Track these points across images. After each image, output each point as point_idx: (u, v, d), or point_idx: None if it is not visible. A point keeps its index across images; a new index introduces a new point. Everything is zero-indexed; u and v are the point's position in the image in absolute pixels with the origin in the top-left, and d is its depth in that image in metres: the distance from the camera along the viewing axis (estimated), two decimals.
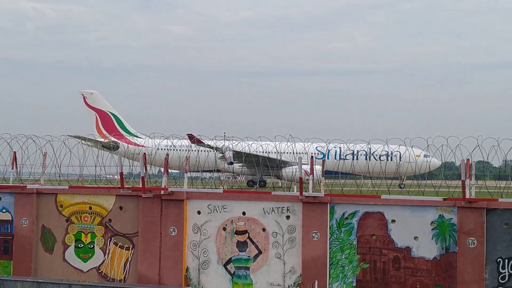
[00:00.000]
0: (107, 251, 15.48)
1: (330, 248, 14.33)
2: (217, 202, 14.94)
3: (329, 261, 14.31)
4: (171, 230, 15.02)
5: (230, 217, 14.88)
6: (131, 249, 15.35)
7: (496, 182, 15.41)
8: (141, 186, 14.90)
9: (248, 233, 14.76)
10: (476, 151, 13.83)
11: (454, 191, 14.30)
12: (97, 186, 16.06)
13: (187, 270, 15.01)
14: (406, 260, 14.00)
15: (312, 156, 14.72)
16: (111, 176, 18.37)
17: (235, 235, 14.83)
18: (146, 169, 15.05)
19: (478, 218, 13.49)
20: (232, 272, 14.80)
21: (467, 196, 13.60)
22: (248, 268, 14.75)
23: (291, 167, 44.31)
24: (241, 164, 52.12)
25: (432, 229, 13.83)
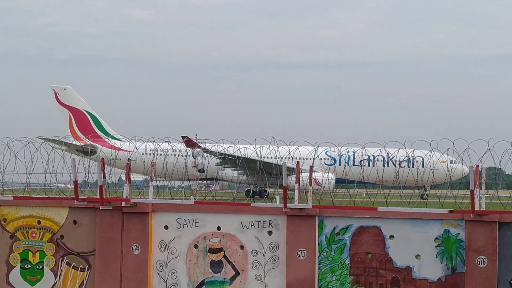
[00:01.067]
0: (59, 273, 13.39)
1: (318, 268, 12.45)
2: (188, 215, 12.93)
3: (318, 283, 12.43)
4: (134, 248, 12.98)
5: (203, 232, 12.87)
6: (87, 270, 13.28)
7: (510, 192, 13.77)
8: (98, 196, 12.87)
9: (224, 251, 12.80)
10: (487, 156, 12.08)
11: (461, 202, 12.58)
12: (47, 196, 13.99)
13: None
14: (406, 282, 12.19)
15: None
16: (63, 185, 16.23)
17: (208, 253, 12.84)
18: (104, 177, 13.03)
19: (489, 234, 11.79)
20: None
21: (477, 208, 11.90)
22: None
23: (302, 174, 41.22)
24: (237, 170, 48.36)
25: (436, 246, 12.08)
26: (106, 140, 47.22)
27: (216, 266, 12.83)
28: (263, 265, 12.66)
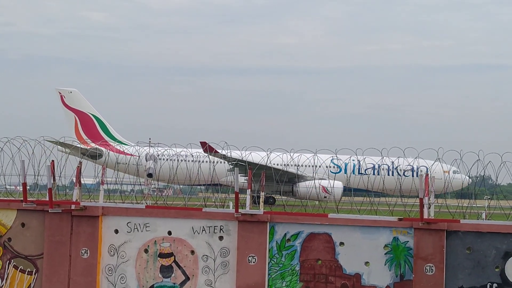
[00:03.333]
0: (5, 276, 13.07)
1: (269, 274, 12.42)
2: (139, 220, 12.78)
3: None
4: (83, 251, 12.77)
5: (154, 237, 12.74)
6: (35, 274, 13.00)
7: (458, 201, 13.89)
8: (47, 199, 12.61)
9: (174, 256, 12.67)
10: (437, 164, 12.18)
11: (411, 210, 12.66)
12: None
13: None
14: None
15: (250, 169, 12.74)
16: (13, 187, 15.89)
17: (158, 258, 12.70)
18: (54, 179, 12.79)
19: (437, 242, 11.90)
20: None
21: (425, 216, 12.00)
22: None
23: (307, 182, 40.31)
24: (245, 177, 47.58)
25: (385, 254, 12.15)
26: (112, 144, 46.56)
27: (166, 271, 12.70)
28: (214, 270, 12.58)
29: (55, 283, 12.83)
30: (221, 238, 12.61)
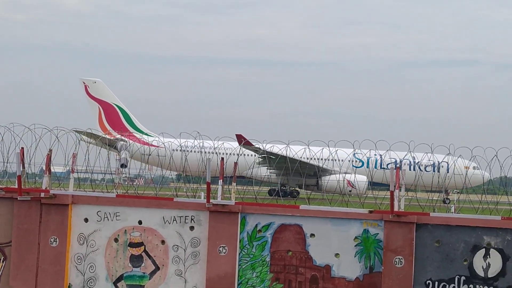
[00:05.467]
0: None
1: (239, 265, 12.41)
2: (109, 209, 12.68)
3: (238, 280, 12.39)
4: (52, 240, 12.65)
5: (124, 226, 12.65)
6: (2, 262, 12.85)
7: (428, 195, 13.98)
8: (16, 186, 12.45)
9: (144, 246, 12.60)
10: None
11: (381, 203, 12.72)
12: None
13: (69, 287, 12.66)
14: (325, 280, 12.27)
15: (222, 158, 12.68)
16: None
17: (128, 247, 12.62)
18: (23, 167, 12.63)
19: (407, 234, 11.98)
20: None
21: (396, 209, 12.06)
22: (142, 287, 12.58)
23: (331, 175, 40.26)
24: (271, 169, 46.95)
25: (355, 246, 12.20)
26: (137, 135, 46.50)
27: (136, 260, 12.63)
28: (184, 260, 12.53)
29: (23, 271, 12.70)
30: (192, 228, 12.56)
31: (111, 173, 14.71)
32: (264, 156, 39.78)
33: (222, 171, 12.70)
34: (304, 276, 12.33)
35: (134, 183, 15.83)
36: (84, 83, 57.77)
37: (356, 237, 12.19)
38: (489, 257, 11.85)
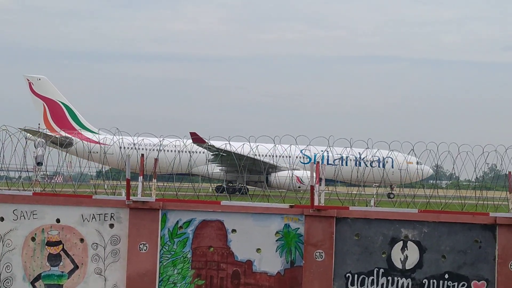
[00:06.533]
0: None
1: (160, 262, 12.28)
2: (25, 207, 12.36)
3: (159, 277, 12.27)
4: None
5: (41, 225, 12.36)
6: None
7: (347, 189, 14.12)
8: None
9: (63, 244, 12.34)
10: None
11: (302, 198, 12.78)
12: None
13: None
14: (246, 276, 12.27)
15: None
16: None
17: (46, 246, 12.34)
18: None
19: (327, 228, 12.08)
20: None
21: (316, 203, 12.14)
22: (61, 286, 12.33)
23: (282, 171, 40.26)
24: (220, 166, 46.53)
25: (276, 240, 12.23)
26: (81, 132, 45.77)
27: (54, 259, 12.36)
28: (104, 258, 12.33)
29: None
30: (111, 225, 12.36)
31: (28, 171, 14.33)
32: (216, 154, 39.82)
33: (142, 167, 12.54)
34: (225, 271, 12.30)
35: (52, 181, 15.49)
36: (28, 80, 56.72)
37: (277, 232, 12.21)
38: (407, 249, 12.07)
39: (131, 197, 12.21)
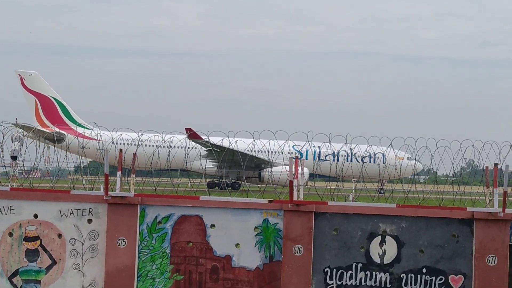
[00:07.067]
0: None
1: (139, 258, 12.25)
2: (3, 202, 12.26)
3: (137, 273, 12.24)
4: None
5: (19, 220, 12.27)
6: None
7: (326, 184, 14.15)
8: None
9: (40, 240, 12.26)
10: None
11: (281, 192, 12.79)
12: None
13: None
14: (225, 271, 12.28)
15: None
16: None
17: (24, 242, 12.26)
18: None
19: (306, 223, 12.10)
20: (18, 287, 12.22)
21: (295, 198, 12.16)
22: (39, 282, 12.26)
23: (276, 167, 40.22)
24: (215, 162, 46.49)
25: (255, 235, 12.24)
26: (74, 128, 45.52)
27: (31, 255, 12.28)
28: (82, 254, 12.27)
29: None
30: (90, 221, 12.30)
31: (5, 166, 14.21)
32: (210, 149, 39.68)
33: (120, 162, 12.48)
34: (204, 267, 12.29)
35: (30, 176, 15.38)
36: (19, 75, 56.40)
37: (256, 227, 12.22)
38: (385, 244, 12.13)
39: (109, 192, 12.16)
